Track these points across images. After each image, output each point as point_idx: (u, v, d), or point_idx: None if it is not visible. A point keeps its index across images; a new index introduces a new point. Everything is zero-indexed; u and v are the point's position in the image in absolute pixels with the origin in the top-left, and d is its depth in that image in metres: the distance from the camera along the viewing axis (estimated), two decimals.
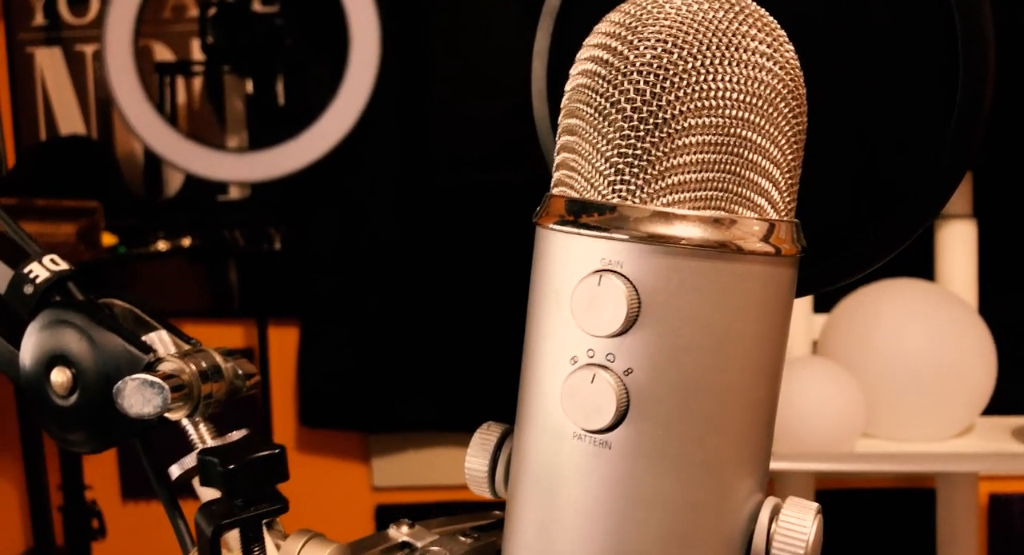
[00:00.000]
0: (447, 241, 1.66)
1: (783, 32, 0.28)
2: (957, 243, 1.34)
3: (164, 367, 0.37)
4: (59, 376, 0.36)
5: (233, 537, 0.34)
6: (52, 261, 0.38)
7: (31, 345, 0.37)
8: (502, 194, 1.55)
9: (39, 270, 0.38)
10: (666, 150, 0.27)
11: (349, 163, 1.61)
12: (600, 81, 0.28)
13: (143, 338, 0.37)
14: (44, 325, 0.37)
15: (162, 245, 1.58)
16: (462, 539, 0.35)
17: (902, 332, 1.18)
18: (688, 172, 0.27)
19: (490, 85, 1.65)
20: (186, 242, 1.58)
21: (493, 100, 1.65)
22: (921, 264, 1.35)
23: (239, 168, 1.61)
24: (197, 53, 1.69)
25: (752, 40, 0.27)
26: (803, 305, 1.28)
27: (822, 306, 1.32)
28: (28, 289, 0.37)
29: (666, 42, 0.27)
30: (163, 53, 1.70)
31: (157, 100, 1.66)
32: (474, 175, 1.66)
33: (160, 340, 0.37)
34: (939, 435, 1.19)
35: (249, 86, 1.68)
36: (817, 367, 1.17)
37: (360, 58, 1.54)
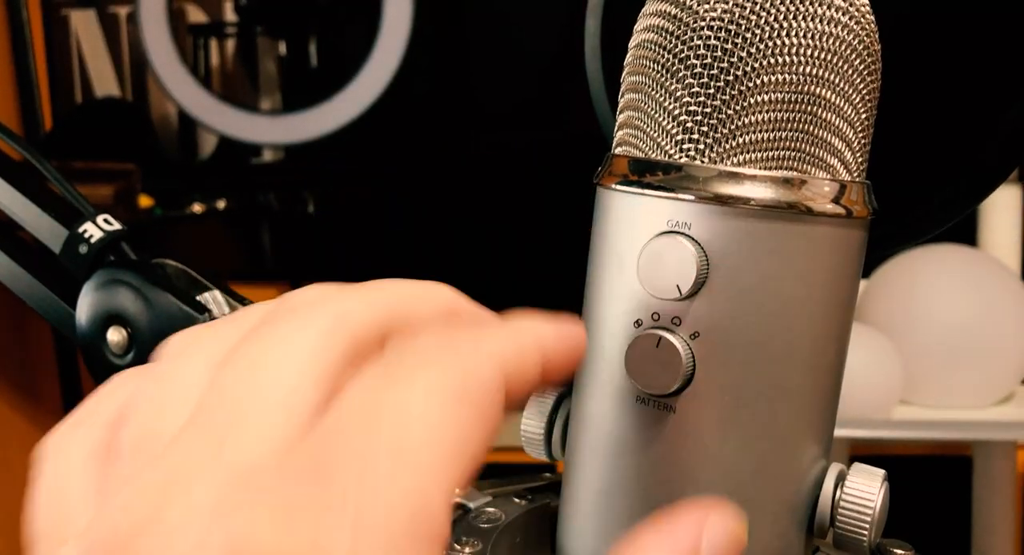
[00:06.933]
0: (486, 201, 1.66)
1: None
2: (1000, 208, 1.32)
3: None
4: (115, 335, 0.37)
5: None
6: (106, 221, 0.38)
7: (87, 305, 0.37)
8: (539, 152, 1.54)
9: (93, 230, 0.38)
10: (737, 108, 0.26)
11: (383, 125, 1.60)
12: (668, 36, 0.27)
13: (197, 298, 0.37)
14: (99, 285, 0.37)
15: (197, 207, 1.59)
16: (516, 500, 0.35)
17: (942, 298, 1.16)
18: (759, 131, 0.26)
19: (526, 44, 1.63)
20: (221, 204, 1.58)
21: (529, 59, 1.63)
22: (963, 230, 1.32)
23: (273, 130, 1.61)
24: (230, 14, 1.69)
25: None
26: None
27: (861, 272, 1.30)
28: (83, 249, 0.37)
29: None
30: (196, 15, 1.70)
31: (191, 62, 1.66)
32: (510, 134, 1.65)
33: (214, 300, 0.37)
34: (978, 403, 1.18)
35: (282, 47, 1.67)
36: (855, 333, 1.16)
37: (393, 18, 1.52)
